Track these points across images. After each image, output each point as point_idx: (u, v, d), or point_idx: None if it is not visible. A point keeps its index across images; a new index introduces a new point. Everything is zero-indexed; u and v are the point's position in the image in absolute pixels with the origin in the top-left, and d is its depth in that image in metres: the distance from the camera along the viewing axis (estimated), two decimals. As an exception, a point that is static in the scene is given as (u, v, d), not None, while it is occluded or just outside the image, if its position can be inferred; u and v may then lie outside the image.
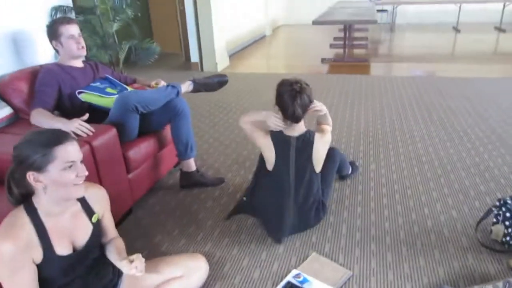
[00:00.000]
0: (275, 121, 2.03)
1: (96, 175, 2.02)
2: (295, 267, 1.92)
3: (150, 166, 2.51)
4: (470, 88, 4.60)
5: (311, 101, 2.03)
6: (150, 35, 7.31)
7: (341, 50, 6.82)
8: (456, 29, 8.76)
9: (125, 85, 2.51)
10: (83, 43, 2.35)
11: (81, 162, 1.30)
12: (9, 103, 2.26)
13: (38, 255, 1.25)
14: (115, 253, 1.50)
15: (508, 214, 1.94)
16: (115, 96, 2.29)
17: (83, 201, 1.42)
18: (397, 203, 2.41)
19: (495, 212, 2.03)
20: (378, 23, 9.81)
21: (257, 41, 8.52)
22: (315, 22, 5.97)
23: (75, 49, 2.31)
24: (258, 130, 2.11)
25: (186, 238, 2.18)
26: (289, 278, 1.84)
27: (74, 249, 1.36)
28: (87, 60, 2.55)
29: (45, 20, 2.71)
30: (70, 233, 1.34)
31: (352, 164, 2.74)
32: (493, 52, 6.56)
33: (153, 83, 2.65)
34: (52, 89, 2.24)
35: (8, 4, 2.45)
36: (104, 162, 2.05)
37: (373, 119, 3.78)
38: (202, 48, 5.85)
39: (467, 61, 5.98)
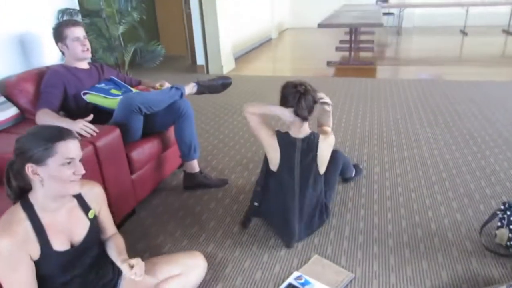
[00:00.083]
0: (290, 115, 2.01)
1: (99, 175, 2.03)
2: (297, 269, 1.92)
3: (154, 167, 2.52)
4: (477, 92, 4.57)
5: (315, 102, 2.04)
6: (156, 37, 7.37)
7: (347, 53, 6.82)
8: (464, 32, 8.72)
9: (129, 87, 2.53)
10: (88, 45, 2.38)
11: (80, 160, 1.32)
12: (15, 103, 2.29)
13: (35, 251, 1.26)
14: (116, 251, 1.51)
15: (512, 218, 1.92)
16: (120, 97, 2.31)
17: (79, 198, 1.43)
18: (401, 206, 2.40)
19: (500, 215, 2.00)
20: (384, 26, 9.84)
21: (263, 44, 8.54)
22: (320, 25, 5.97)
23: (80, 51, 2.33)
24: (265, 128, 2.09)
25: (189, 239, 2.19)
26: (291, 280, 1.84)
27: (72, 245, 1.37)
28: (93, 62, 2.57)
29: (51, 22, 2.74)
30: (67, 229, 1.36)
31: (356, 167, 2.73)
32: (501, 55, 6.51)
33: (157, 85, 2.67)
34: (58, 90, 2.26)
35: (16, 7, 2.49)
36: (107, 162, 2.06)
37: (378, 122, 3.77)
38: (208, 51, 5.87)
39: (475, 64, 5.94)
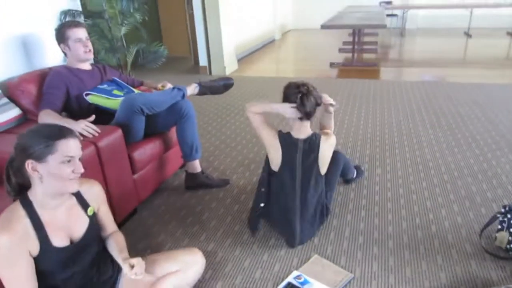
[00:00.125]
0: (292, 111, 2.01)
1: (101, 175, 2.05)
2: (297, 269, 1.93)
3: (156, 167, 2.53)
4: (481, 94, 4.56)
5: (318, 104, 2.04)
6: (159, 38, 7.39)
7: (350, 55, 6.81)
8: (468, 34, 8.69)
9: (132, 88, 2.54)
10: (90, 47, 2.39)
11: (80, 159, 1.33)
12: (18, 104, 2.31)
13: (34, 247, 1.27)
14: (116, 249, 1.52)
15: (513, 220, 1.92)
16: (122, 98, 2.32)
17: (78, 196, 1.45)
18: (402, 208, 2.40)
19: (500, 218, 2.00)
20: (388, 28, 9.82)
21: (266, 45, 8.56)
22: (323, 26, 5.98)
23: (82, 52, 2.35)
24: (267, 128, 2.10)
25: (190, 238, 2.20)
26: (290, 279, 1.85)
27: (72, 242, 1.38)
28: (95, 63, 2.59)
29: (54, 23, 2.77)
30: (66, 226, 1.37)
31: (357, 168, 2.73)
32: (505, 57, 6.48)
33: (159, 86, 2.69)
34: (60, 91, 2.28)
35: (19, 8, 2.51)
36: (109, 162, 2.08)
37: (380, 123, 3.77)
38: (211, 52, 5.89)
39: (478, 67, 5.92)
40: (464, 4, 8.61)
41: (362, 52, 7.35)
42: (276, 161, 2.10)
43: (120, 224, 2.28)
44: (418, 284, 1.80)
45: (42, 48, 2.70)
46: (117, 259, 1.50)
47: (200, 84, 2.61)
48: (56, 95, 2.26)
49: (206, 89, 2.64)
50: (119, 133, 2.15)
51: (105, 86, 2.44)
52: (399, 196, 2.53)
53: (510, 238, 1.93)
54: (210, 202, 2.54)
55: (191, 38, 6.59)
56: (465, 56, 6.71)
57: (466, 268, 1.89)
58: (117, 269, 1.57)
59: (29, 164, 1.25)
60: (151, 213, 2.46)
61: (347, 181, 2.69)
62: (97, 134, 2.04)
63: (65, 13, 2.86)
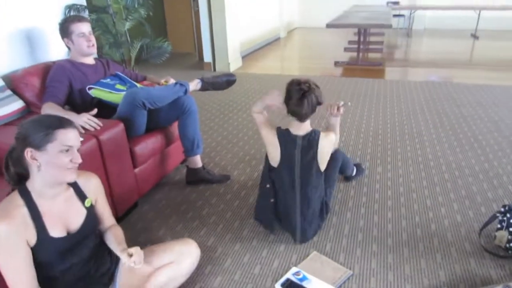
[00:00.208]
0: (272, 99, 2.09)
1: (103, 169, 2.06)
2: (296, 265, 1.93)
3: (157, 161, 2.55)
4: (486, 95, 4.53)
5: (319, 102, 2.04)
6: (164, 34, 7.41)
7: (355, 54, 6.79)
8: (474, 36, 8.64)
9: (135, 82, 2.56)
10: (93, 41, 2.40)
11: (78, 150, 1.35)
12: (21, 96, 2.33)
13: (32, 236, 1.29)
14: (115, 242, 1.54)
15: (512, 220, 1.92)
16: (124, 92, 2.34)
17: (75, 187, 1.47)
18: (402, 206, 2.40)
19: (500, 218, 2.00)
20: (394, 28, 9.80)
21: (271, 43, 8.55)
22: (329, 25, 5.96)
23: (85, 46, 2.37)
24: (267, 126, 2.12)
25: (190, 232, 2.21)
26: (289, 275, 1.85)
27: (69, 233, 1.40)
28: (99, 57, 2.61)
29: (58, 18, 2.78)
30: (63, 216, 1.39)
31: (358, 166, 2.73)
32: (511, 59, 6.44)
33: (162, 81, 2.71)
34: (63, 85, 2.30)
35: (24, 2, 2.53)
36: (111, 156, 2.09)
37: (383, 122, 3.76)
38: (215, 48, 5.90)
39: (484, 68, 5.88)
40: (472, 6, 8.55)
41: (367, 52, 7.33)
42: (275, 158, 2.11)
43: (121, 218, 2.30)
44: (417, 282, 1.81)
45: (47, 41, 2.72)
46: (115, 250, 1.52)
47: (202, 80, 2.62)
48: (59, 89, 2.27)
49: (209, 85, 2.65)
50: (121, 127, 2.16)
51: (108, 80, 2.45)
52: (399, 194, 2.53)
53: (509, 237, 1.93)
54: (210, 198, 2.55)
55: (196, 34, 6.60)
56: (471, 58, 6.67)
57: (465, 266, 1.89)
58: (115, 261, 1.59)
59: (28, 153, 1.27)
60: (152, 207, 2.47)
61: (347, 178, 2.69)
62: (98, 128, 2.05)
63: (70, 7, 2.87)
